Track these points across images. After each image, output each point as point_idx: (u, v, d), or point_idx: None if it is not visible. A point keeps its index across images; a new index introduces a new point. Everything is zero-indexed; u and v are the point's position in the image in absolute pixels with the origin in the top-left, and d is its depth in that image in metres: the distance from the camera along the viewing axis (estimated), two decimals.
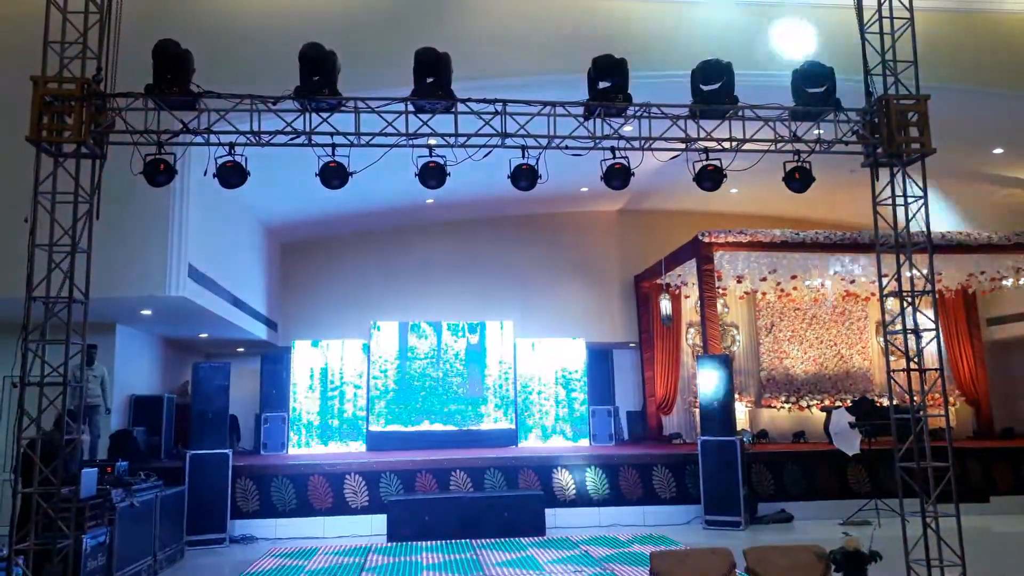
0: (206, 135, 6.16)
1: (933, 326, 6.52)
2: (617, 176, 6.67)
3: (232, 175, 6.30)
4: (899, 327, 6.45)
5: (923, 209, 6.39)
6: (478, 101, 6.33)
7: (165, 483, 8.90)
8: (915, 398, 6.27)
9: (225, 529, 9.64)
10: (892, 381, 6.52)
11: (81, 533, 6.50)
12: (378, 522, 9.90)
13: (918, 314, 6.50)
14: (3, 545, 5.64)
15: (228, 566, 8.31)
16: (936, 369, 6.34)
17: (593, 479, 10.79)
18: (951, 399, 14.86)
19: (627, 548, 8.78)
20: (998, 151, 12.03)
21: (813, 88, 6.48)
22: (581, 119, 6.52)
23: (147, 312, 10.49)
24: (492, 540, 9.28)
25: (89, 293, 5.81)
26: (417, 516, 9.62)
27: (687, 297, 15.17)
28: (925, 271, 13.46)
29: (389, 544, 9.29)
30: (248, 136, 6.21)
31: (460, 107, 6.29)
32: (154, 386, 12.90)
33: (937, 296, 14.84)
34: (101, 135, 5.87)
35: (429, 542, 9.23)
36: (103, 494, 7.21)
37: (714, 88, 6.45)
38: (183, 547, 9.01)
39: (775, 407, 14.72)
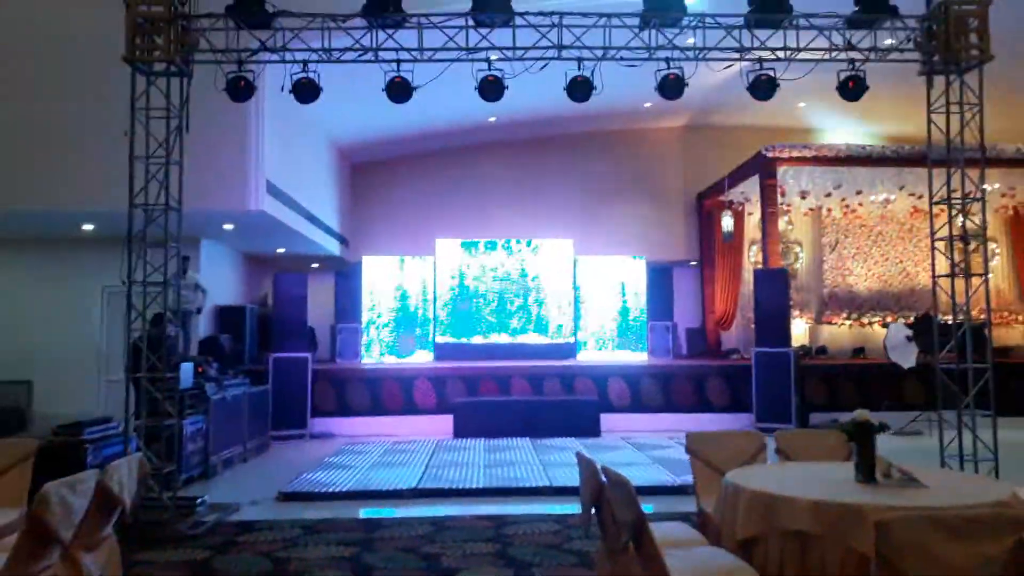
0: (282, 53, 6.59)
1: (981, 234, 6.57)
2: (671, 87, 6.84)
3: (306, 91, 6.74)
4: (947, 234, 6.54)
5: (977, 118, 6.38)
6: (535, 14, 6.55)
7: (251, 384, 9.76)
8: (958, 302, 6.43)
9: (306, 425, 10.53)
10: (938, 288, 6.67)
11: (182, 419, 7.31)
12: (445, 422, 10.62)
13: (969, 223, 6.56)
14: (119, 423, 6.42)
15: (310, 456, 9.12)
16: (981, 275, 6.44)
17: (648, 388, 11.26)
18: (1020, 317, 14.70)
19: (676, 445, 9.27)
20: None
21: None
22: (636, 30, 6.68)
23: (229, 226, 11.20)
24: (550, 439, 9.91)
25: (182, 201, 6.40)
26: (480, 416, 10.30)
27: (750, 214, 15.17)
28: (997, 184, 13.09)
29: (455, 439, 10.02)
30: (320, 53, 6.61)
31: (518, 20, 6.52)
32: (236, 297, 13.79)
33: (1012, 213, 14.68)
34: (187, 54, 6.35)
35: (491, 439, 9.90)
36: (199, 387, 8.03)
37: None
38: (268, 440, 9.90)
39: (836, 323, 14.77)
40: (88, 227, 10.57)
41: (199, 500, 6.38)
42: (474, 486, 7.09)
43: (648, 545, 3.09)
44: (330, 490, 7.02)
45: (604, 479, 3.42)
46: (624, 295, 14.15)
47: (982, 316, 7.22)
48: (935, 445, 6.55)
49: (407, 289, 13.85)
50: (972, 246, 6.57)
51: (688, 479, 6.93)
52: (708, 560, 3.25)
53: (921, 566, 2.61)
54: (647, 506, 6.06)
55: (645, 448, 9.13)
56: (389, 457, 8.76)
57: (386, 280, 13.86)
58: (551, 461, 8.27)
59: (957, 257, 6.51)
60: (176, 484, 6.30)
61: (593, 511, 3.68)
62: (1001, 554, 2.62)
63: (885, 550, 2.62)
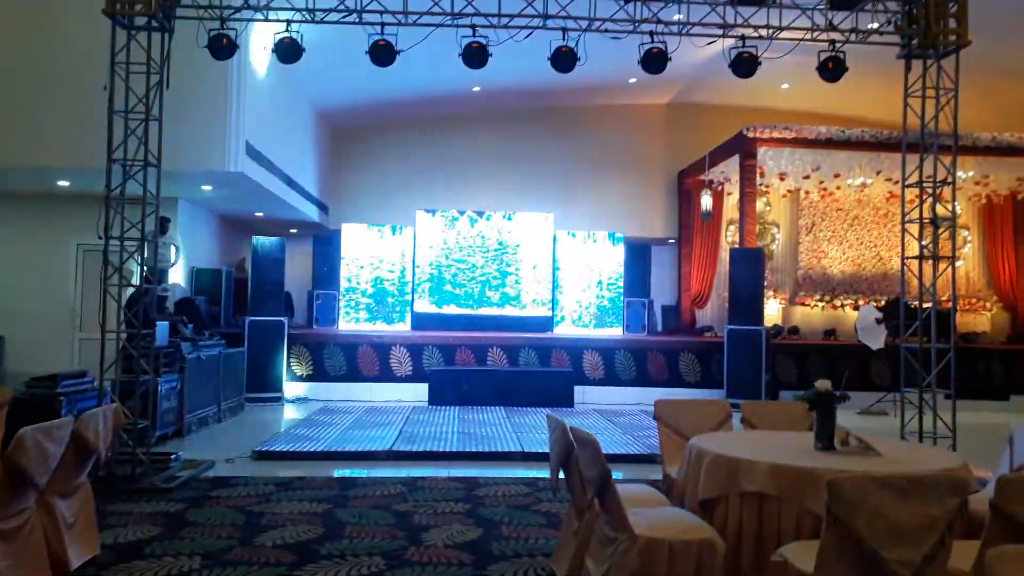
0: (265, 12, 6.54)
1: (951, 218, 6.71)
2: (654, 61, 6.88)
3: (289, 51, 6.71)
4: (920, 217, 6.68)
5: (952, 103, 6.49)
6: None
7: (226, 346, 9.76)
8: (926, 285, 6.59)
9: (281, 389, 10.57)
10: (907, 270, 6.82)
11: (157, 376, 7.32)
12: (420, 389, 10.71)
13: (940, 207, 6.69)
14: (94, 378, 6.42)
15: (285, 418, 9.18)
16: (948, 258, 6.60)
17: (622, 361, 11.41)
18: (988, 304, 15.00)
19: (647, 418, 9.43)
20: None
21: None
22: (622, 2, 6.69)
23: (207, 187, 11.11)
24: (523, 408, 10.03)
25: (161, 158, 6.36)
26: (456, 385, 10.39)
27: (729, 194, 15.28)
28: (971, 172, 13.24)
29: (430, 407, 10.11)
30: (304, 13, 6.57)
31: None
32: (213, 260, 13.72)
33: (985, 201, 14.91)
34: (169, 9, 6.28)
35: (465, 407, 10.01)
36: (174, 346, 8.03)
37: None
38: (243, 401, 9.93)
39: (809, 305, 14.99)
40: (64, 183, 10.45)
41: (173, 456, 6.42)
42: (447, 449, 7.19)
43: (612, 501, 3.20)
44: (305, 450, 7.10)
45: (572, 439, 3.52)
46: (601, 271, 14.24)
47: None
48: (899, 425, 6.74)
49: (386, 258, 13.85)
50: (942, 230, 6.71)
51: (656, 450, 7.10)
52: (669, 518, 3.36)
53: (870, 525, 2.73)
54: (616, 473, 6.21)
55: (617, 420, 9.29)
56: (364, 421, 8.84)
57: (365, 248, 13.84)
58: (524, 429, 8.39)
59: (927, 240, 6.65)
60: (150, 440, 6.33)
61: (562, 474, 3.78)
62: (946, 515, 2.74)
63: (836, 509, 2.74)
